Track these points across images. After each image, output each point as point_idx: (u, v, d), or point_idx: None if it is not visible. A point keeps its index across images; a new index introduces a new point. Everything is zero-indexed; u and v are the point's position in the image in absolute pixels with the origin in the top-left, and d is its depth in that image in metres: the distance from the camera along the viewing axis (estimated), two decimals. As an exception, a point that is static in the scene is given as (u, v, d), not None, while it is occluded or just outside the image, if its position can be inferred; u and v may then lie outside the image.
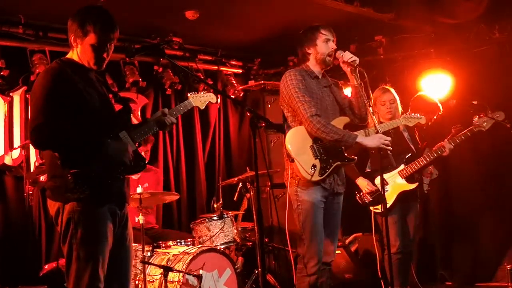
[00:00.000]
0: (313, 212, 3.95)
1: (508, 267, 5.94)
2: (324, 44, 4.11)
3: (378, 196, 4.87)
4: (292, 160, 3.99)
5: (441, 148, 4.83)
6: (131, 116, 3.26)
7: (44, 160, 3.16)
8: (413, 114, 4.53)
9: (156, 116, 3.29)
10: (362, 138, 3.98)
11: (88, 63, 3.08)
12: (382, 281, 4.97)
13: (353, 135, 3.96)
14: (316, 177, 3.95)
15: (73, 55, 3.11)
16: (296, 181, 4.00)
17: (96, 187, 2.92)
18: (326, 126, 3.92)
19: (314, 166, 3.96)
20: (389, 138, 4.01)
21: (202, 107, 3.70)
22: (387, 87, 5.17)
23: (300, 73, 4.10)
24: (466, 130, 4.85)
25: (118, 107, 3.25)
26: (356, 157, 4.12)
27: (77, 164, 2.88)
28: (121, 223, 3.09)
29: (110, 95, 3.26)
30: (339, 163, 4.04)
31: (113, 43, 3.12)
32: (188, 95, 3.62)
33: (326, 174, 3.99)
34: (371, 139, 3.99)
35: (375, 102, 4.96)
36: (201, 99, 3.65)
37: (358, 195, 4.96)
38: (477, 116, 4.86)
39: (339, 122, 4.09)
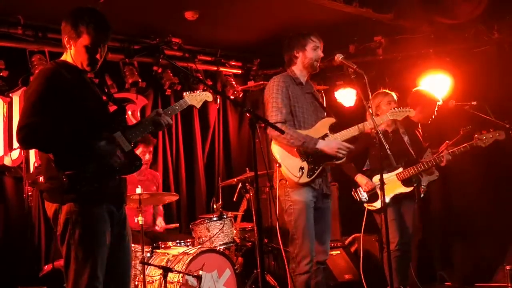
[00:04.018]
0: (305, 212, 4.00)
1: (508, 267, 5.94)
2: (313, 51, 4.22)
3: (374, 195, 4.93)
4: (280, 165, 4.03)
5: (440, 157, 4.94)
6: (126, 117, 3.26)
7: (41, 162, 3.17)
8: (400, 108, 4.43)
9: (151, 116, 3.29)
10: (321, 144, 4.01)
11: (82, 64, 3.09)
12: (364, 281, 5.00)
13: (314, 141, 4.01)
14: (304, 179, 4.01)
15: (67, 56, 3.12)
16: (286, 182, 4.05)
17: (91, 188, 2.93)
18: (287, 133, 4.00)
19: (301, 168, 4.02)
20: (351, 147, 4.03)
21: (198, 106, 3.68)
22: (386, 90, 5.18)
23: (285, 80, 4.18)
24: (466, 144, 4.99)
25: (114, 108, 3.26)
26: (344, 157, 4.14)
27: (71, 165, 2.89)
28: (119, 223, 3.09)
29: (104, 97, 3.26)
30: (328, 162, 4.10)
31: (106, 44, 3.12)
32: (184, 94, 3.60)
33: (315, 175, 4.04)
34: (329, 146, 4.01)
35: (378, 104, 4.98)
36: (197, 97, 3.62)
37: (354, 191, 5.02)
38: (479, 132, 4.97)
39: (325, 122, 4.18)
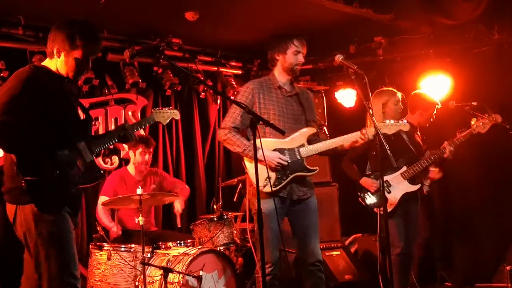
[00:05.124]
0: (265, 221, 3.92)
1: (508, 268, 5.95)
2: (293, 56, 4.20)
3: (382, 198, 4.88)
4: (247, 173, 4.08)
5: (442, 149, 4.91)
6: (92, 127, 3.33)
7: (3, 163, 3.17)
8: (393, 121, 4.21)
9: (117, 129, 3.40)
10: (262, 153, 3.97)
11: (67, 73, 3.11)
12: (381, 282, 4.97)
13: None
14: (268, 189, 3.99)
15: (51, 64, 3.13)
16: (253, 190, 4.05)
17: (47, 196, 2.95)
18: (230, 139, 4.08)
19: (268, 178, 4.00)
20: (285, 159, 4.01)
21: (165, 123, 3.75)
22: (393, 90, 5.16)
23: (258, 86, 4.21)
24: (465, 133, 4.96)
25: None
26: (317, 168, 4.15)
27: (31, 171, 2.90)
28: (76, 228, 3.15)
29: (77, 105, 3.29)
30: (298, 174, 4.08)
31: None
32: (152, 110, 3.69)
33: (280, 185, 4.05)
34: (268, 157, 3.96)
35: (386, 103, 4.96)
36: (164, 115, 3.70)
37: (360, 195, 4.96)
38: (475, 119, 4.91)
39: (304, 133, 4.17)
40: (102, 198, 5.40)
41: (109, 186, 5.54)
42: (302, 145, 4.13)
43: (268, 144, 4.06)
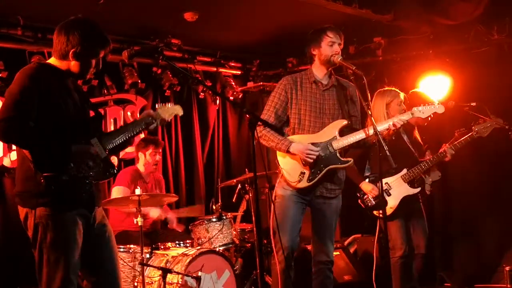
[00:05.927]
0: (283, 206, 4.03)
1: (507, 268, 5.94)
2: (328, 47, 4.17)
3: (382, 200, 4.86)
4: (281, 169, 4.09)
5: (443, 153, 4.89)
6: (102, 123, 3.31)
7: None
8: (427, 105, 4.26)
9: (138, 119, 3.38)
10: (293, 147, 4.02)
11: (73, 71, 3.12)
12: (374, 284, 4.96)
13: (285, 143, 4.04)
14: (303, 184, 4.02)
15: (61, 64, 3.12)
16: (282, 182, 4.10)
17: (66, 192, 2.94)
18: (265, 135, 4.08)
19: (302, 173, 4.03)
20: (316, 150, 4.01)
21: (169, 119, 3.68)
22: (397, 90, 5.15)
23: (291, 81, 4.19)
24: (466, 136, 4.95)
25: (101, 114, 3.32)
26: (351, 159, 4.14)
27: (50, 167, 2.90)
28: (94, 224, 3.13)
29: (84, 103, 3.26)
30: (331, 166, 4.08)
31: None
32: (156, 106, 3.63)
33: (315, 179, 4.05)
34: (299, 150, 4.02)
35: (389, 103, 4.95)
36: (169, 111, 3.61)
37: (360, 198, 4.94)
38: (477, 123, 4.93)
39: (335, 125, 4.15)
40: (118, 189, 5.41)
41: (125, 177, 5.54)
42: (334, 138, 4.10)
43: (301, 140, 4.08)
